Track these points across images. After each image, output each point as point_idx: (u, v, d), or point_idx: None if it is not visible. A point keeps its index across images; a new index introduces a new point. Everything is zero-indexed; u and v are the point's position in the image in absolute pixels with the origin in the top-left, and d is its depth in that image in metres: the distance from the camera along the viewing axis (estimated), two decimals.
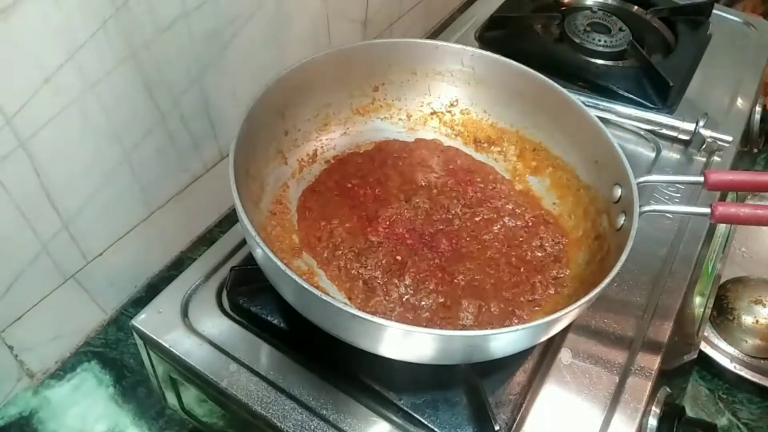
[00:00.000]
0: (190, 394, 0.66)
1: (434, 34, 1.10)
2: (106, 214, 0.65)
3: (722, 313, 0.97)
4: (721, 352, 0.98)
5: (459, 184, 0.71)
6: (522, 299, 0.62)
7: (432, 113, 0.77)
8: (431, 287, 0.61)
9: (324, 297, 0.47)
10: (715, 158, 0.84)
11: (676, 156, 0.84)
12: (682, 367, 0.80)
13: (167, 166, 0.69)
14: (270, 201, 0.66)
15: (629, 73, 0.91)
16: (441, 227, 0.67)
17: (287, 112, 0.69)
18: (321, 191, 0.70)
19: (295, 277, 0.48)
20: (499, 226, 0.68)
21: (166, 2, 0.59)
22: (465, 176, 0.72)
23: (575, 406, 0.59)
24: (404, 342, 0.50)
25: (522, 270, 0.64)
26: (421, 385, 0.58)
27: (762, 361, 0.98)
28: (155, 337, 0.61)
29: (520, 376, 0.60)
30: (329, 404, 0.57)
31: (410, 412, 0.56)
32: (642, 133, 0.86)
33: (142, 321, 0.63)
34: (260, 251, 0.50)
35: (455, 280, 0.62)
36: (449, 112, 0.77)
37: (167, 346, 0.61)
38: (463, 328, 0.59)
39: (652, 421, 0.59)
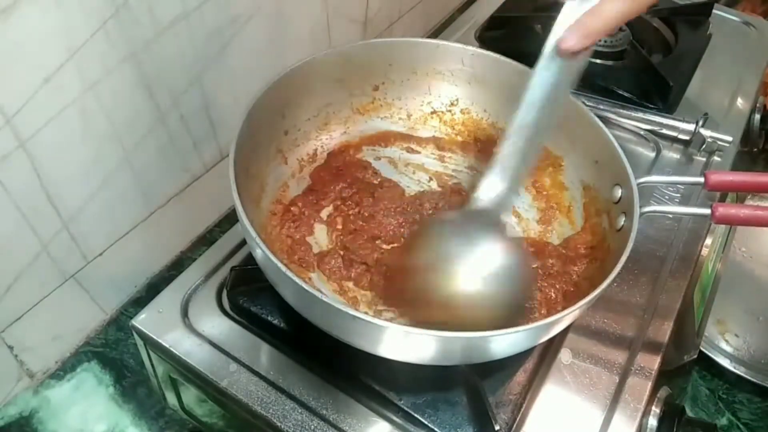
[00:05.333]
0: (190, 394, 0.66)
1: (434, 34, 1.10)
2: (106, 214, 0.65)
3: None
4: (721, 352, 0.98)
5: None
6: None
7: (432, 112, 0.77)
8: None
9: (324, 297, 0.47)
10: (715, 158, 0.84)
11: (676, 156, 0.84)
12: (682, 367, 0.81)
13: (167, 166, 0.69)
14: (270, 201, 0.66)
15: (629, 73, 0.91)
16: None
17: (287, 112, 0.69)
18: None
19: (294, 277, 0.48)
20: None
21: (166, 2, 0.59)
22: None
23: (575, 406, 0.59)
24: (404, 343, 0.50)
25: None
26: (422, 385, 0.58)
27: (762, 362, 0.98)
28: (155, 337, 0.61)
29: (520, 376, 0.60)
30: (329, 404, 0.57)
31: (410, 412, 0.56)
32: (642, 133, 0.86)
33: (142, 321, 0.63)
34: (260, 251, 0.50)
35: None
36: (449, 111, 0.77)
37: (167, 346, 0.61)
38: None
39: (652, 421, 0.59)
